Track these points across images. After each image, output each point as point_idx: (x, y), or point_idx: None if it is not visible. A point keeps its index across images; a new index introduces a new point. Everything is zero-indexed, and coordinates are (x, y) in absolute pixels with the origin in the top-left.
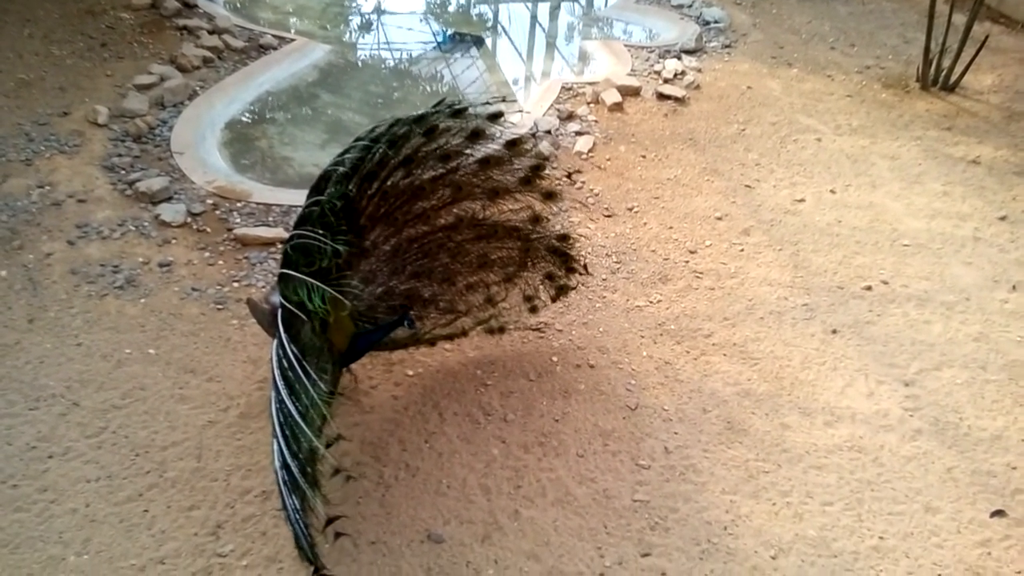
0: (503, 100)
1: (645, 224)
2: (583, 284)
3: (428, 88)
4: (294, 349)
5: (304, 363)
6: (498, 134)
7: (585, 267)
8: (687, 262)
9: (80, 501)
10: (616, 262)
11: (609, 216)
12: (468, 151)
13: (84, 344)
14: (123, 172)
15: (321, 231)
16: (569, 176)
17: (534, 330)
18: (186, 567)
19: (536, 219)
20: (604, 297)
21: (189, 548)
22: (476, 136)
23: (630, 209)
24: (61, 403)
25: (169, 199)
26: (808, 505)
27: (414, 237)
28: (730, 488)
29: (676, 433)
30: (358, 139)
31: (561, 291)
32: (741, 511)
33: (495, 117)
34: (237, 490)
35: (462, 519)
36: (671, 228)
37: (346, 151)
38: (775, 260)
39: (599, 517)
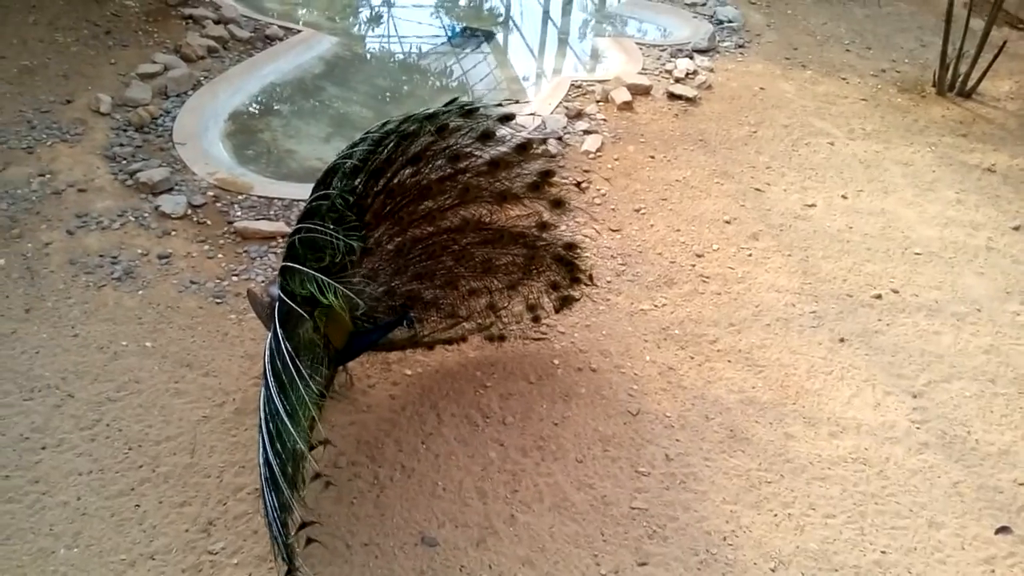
0: (515, 102)
1: (652, 226)
2: (587, 295)
3: (437, 83)
4: (288, 346)
5: (298, 361)
6: (509, 136)
7: (591, 277)
8: (694, 266)
9: (72, 494)
10: (621, 264)
11: (616, 231)
12: (478, 152)
13: (80, 335)
14: (124, 162)
15: (332, 226)
16: (579, 185)
17: (536, 339)
18: (176, 563)
19: (543, 226)
20: (608, 300)
21: (180, 544)
22: (486, 137)
23: (637, 210)
24: (56, 394)
25: (170, 190)
26: (810, 517)
27: (419, 238)
28: (731, 498)
29: (678, 440)
30: (368, 133)
31: (565, 302)
32: (742, 521)
33: (507, 119)
34: (230, 487)
35: (457, 522)
36: (678, 231)
37: (355, 144)
38: (783, 266)
39: (596, 524)
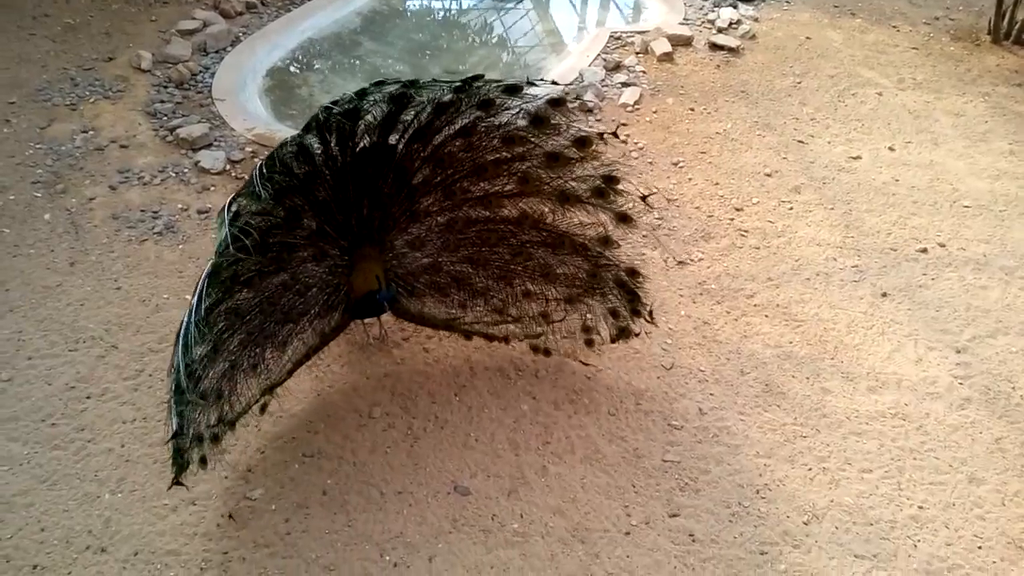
0: (553, 83)
1: (690, 180)
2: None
3: (475, 39)
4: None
5: (215, 277)
6: (564, 126)
7: (651, 314)
8: (732, 220)
9: (116, 441)
10: (657, 218)
11: (650, 195)
12: (534, 139)
13: (123, 288)
14: (165, 118)
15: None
16: (644, 199)
17: (583, 364)
18: (216, 509)
19: (606, 241)
20: (643, 254)
21: (220, 491)
22: (539, 122)
23: (675, 164)
24: (100, 345)
25: (209, 146)
26: (846, 472)
27: (473, 219)
28: (764, 452)
29: (711, 394)
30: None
31: (623, 333)
32: (775, 475)
33: (557, 104)
34: (268, 435)
35: (489, 473)
36: (717, 184)
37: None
38: (825, 219)
39: (628, 476)
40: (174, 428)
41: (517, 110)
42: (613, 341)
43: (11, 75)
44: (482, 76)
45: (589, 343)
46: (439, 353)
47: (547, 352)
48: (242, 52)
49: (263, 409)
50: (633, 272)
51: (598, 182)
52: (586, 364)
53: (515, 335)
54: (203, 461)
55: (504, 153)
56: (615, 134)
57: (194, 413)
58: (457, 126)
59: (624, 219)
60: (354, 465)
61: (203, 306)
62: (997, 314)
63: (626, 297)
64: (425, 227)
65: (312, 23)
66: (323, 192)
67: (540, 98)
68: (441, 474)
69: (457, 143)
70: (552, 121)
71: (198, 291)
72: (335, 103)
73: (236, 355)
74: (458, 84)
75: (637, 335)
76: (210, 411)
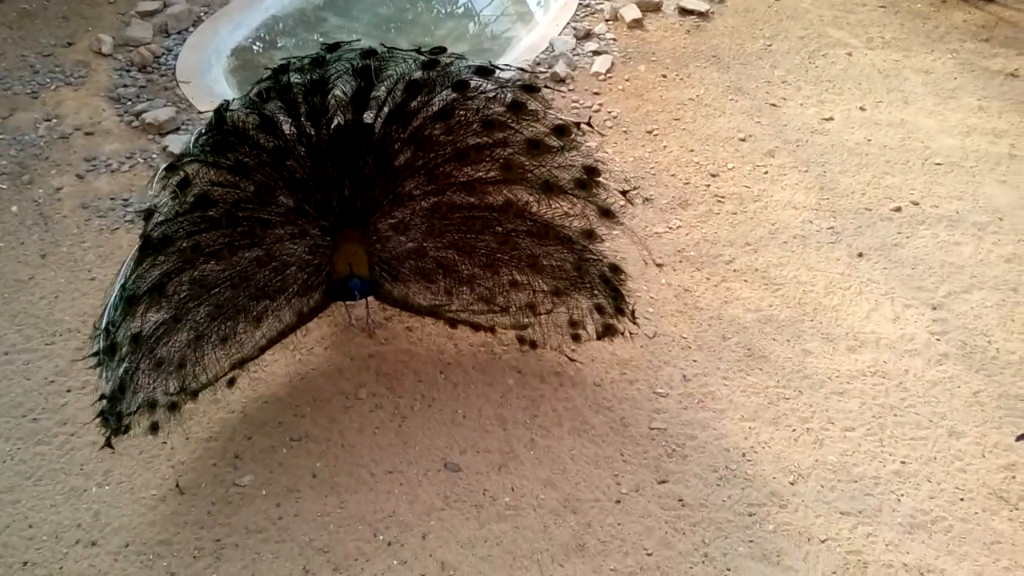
0: (520, 70)
1: (665, 147)
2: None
3: (441, 9)
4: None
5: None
6: (542, 113)
7: (633, 315)
8: (708, 186)
9: (99, 435)
10: (634, 188)
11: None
12: (513, 125)
13: (97, 278)
14: (129, 103)
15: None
16: (624, 194)
17: (569, 359)
18: (206, 496)
19: (590, 234)
20: (621, 224)
21: (208, 478)
22: (516, 107)
23: (649, 132)
24: (77, 337)
25: (176, 130)
26: (829, 431)
27: (458, 205)
28: (749, 415)
29: (695, 361)
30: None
31: (608, 331)
32: (760, 438)
33: (530, 89)
34: (255, 421)
35: (478, 448)
36: (692, 151)
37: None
38: (800, 182)
39: (616, 445)
40: (108, 391)
41: (493, 93)
42: (599, 338)
43: None
44: (445, 49)
45: (576, 337)
46: (423, 332)
47: (533, 344)
48: (205, 32)
49: (231, 383)
50: (616, 268)
51: (579, 173)
52: (572, 359)
53: (502, 325)
54: (154, 427)
55: (485, 138)
56: (589, 123)
57: (146, 379)
58: (435, 108)
59: (607, 214)
60: (342, 447)
61: (131, 272)
62: (971, 270)
63: (610, 294)
64: (409, 211)
65: (275, 0)
66: (299, 169)
67: (515, 82)
68: (430, 452)
69: (437, 126)
70: (529, 107)
71: (129, 259)
72: (285, 66)
73: (204, 327)
74: (425, 59)
75: (622, 334)
76: (170, 379)
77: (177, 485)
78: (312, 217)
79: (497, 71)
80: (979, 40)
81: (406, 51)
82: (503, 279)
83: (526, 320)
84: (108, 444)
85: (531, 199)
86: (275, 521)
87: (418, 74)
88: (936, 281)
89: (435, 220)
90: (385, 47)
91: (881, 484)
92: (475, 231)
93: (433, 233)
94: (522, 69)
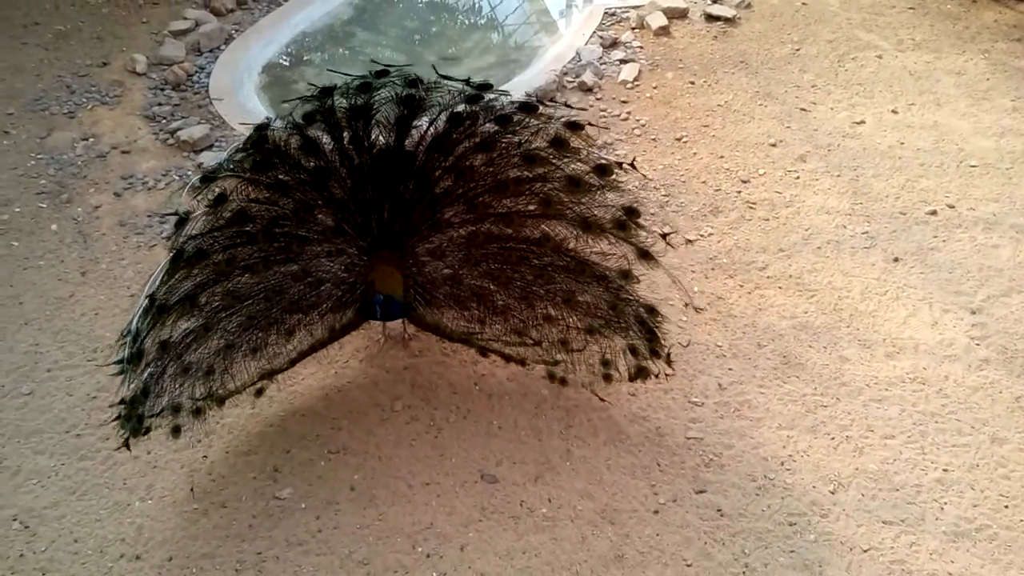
0: (568, 106)
1: (695, 154)
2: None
3: (466, 21)
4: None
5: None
6: (584, 151)
7: (668, 358)
8: (739, 192)
9: (142, 448)
10: (664, 195)
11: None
12: (555, 161)
13: (136, 295)
14: (164, 121)
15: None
16: (664, 237)
17: (600, 399)
18: (247, 510)
19: (627, 275)
20: (653, 232)
21: (248, 492)
22: (559, 144)
23: (679, 139)
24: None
25: (210, 147)
26: (869, 439)
27: (495, 235)
28: (787, 423)
29: (730, 369)
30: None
31: (640, 373)
32: (798, 446)
33: (574, 127)
34: (293, 435)
35: (514, 459)
36: (722, 157)
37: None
38: (833, 187)
39: (652, 455)
40: (129, 395)
41: (536, 129)
42: (631, 379)
43: (6, 86)
44: (491, 86)
45: (607, 378)
46: (456, 344)
47: (564, 381)
48: (236, 50)
49: (259, 393)
50: (652, 310)
51: (619, 213)
52: (603, 400)
53: (533, 359)
54: (176, 430)
55: (526, 172)
56: (633, 165)
57: (172, 384)
58: (477, 139)
59: (645, 256)
60: (380, 459)
61: (161, 283)
62: (1010, 272)
63: (645, 335)
64: (447, 238)
65: (304, 16)
66: (340, 190)
67: (559, 118)
68: (467, 463)
69: (479, 157)
70: (571, 144)
71: (159, 270)
72: (330, 89)
73: (235, 336)
74: (470, 93)
75: (656, 376)
76: (197, 384)
77: (191, 490)
78: (350, 237)
79: (541, 107)
80: (1011, 40)
81: (453, 80)
82: (537, 312)
83: (558, 356)
84: (125, 446)
85: (569, 235)
86: (315, 534)
87: (461, 107)
88: (974, 285)
89: (472, 248)
90: (433, 77)
91: (923, 492)
92: (511, 263)
93: (469, 261)
94: (567, 106)
